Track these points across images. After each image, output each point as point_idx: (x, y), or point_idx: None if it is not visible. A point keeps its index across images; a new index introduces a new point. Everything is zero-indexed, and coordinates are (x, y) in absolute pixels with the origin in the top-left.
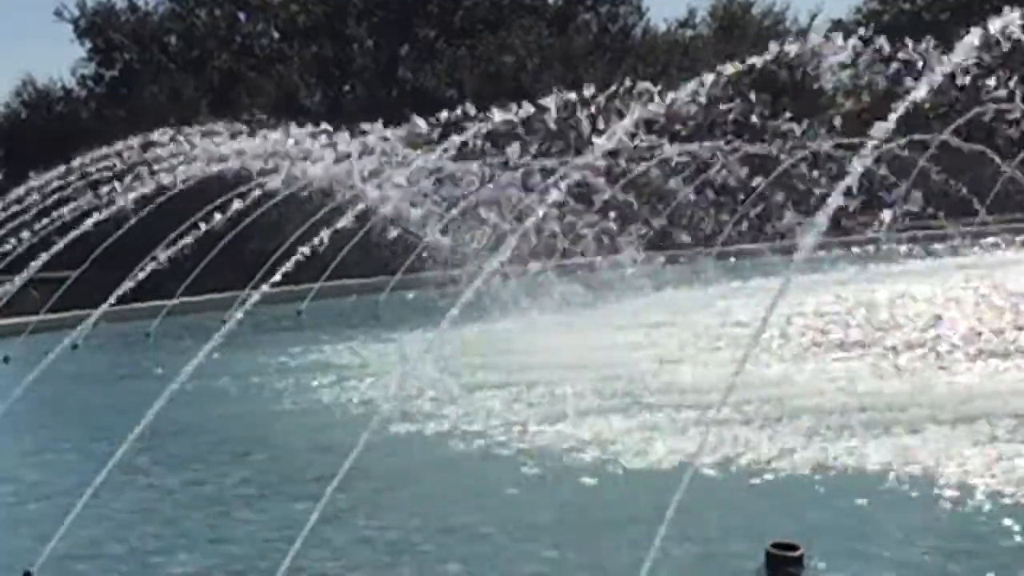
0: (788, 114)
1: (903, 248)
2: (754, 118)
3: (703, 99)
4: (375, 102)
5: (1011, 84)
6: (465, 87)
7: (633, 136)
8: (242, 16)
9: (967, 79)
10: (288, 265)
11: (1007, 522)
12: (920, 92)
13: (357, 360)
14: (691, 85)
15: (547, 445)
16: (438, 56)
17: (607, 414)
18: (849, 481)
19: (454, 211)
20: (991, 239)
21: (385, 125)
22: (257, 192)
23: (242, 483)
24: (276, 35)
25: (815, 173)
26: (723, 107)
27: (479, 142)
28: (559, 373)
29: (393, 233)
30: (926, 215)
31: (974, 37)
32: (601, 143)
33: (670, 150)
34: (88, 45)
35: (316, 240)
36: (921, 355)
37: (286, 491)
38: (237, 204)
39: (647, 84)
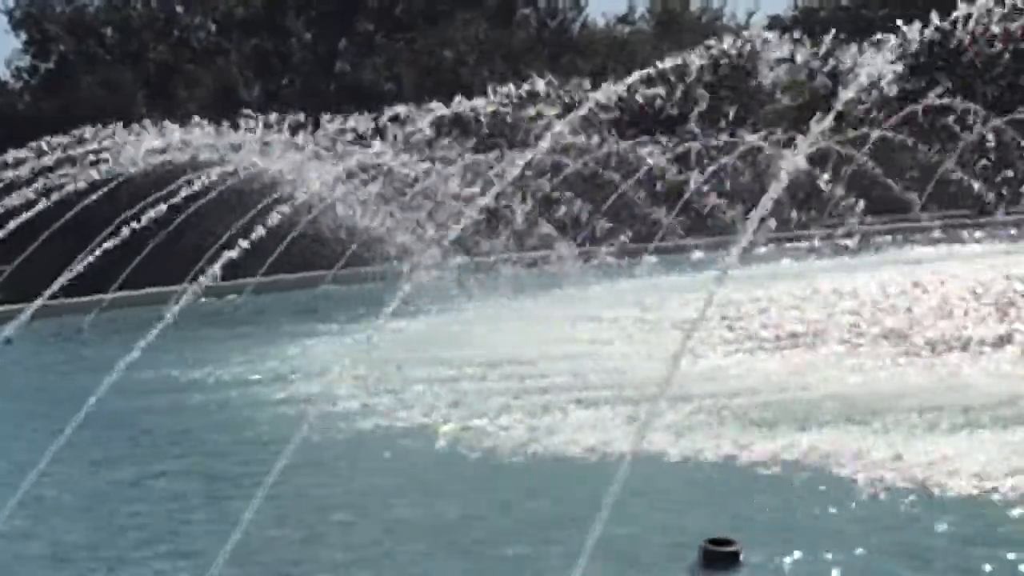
0: (727, 110)
1: (843, 244)
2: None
3: (643, 95)
4: (313, 96)
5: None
6: (404, 81)
7: (576, 132)
8: (179, 8)
9: (899, 77)
10: (228, 258)
11: (935, 514)
12: (854, 90)
13: (293, 354)
14: (631, 80)
15: (484, 440)
16: (377, 50)
17: (543, 407)
18: (783, 475)
19: (394, 205)
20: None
21: (321, 119)
22: (198, 186)
23: (163, 476)
24: (214, 28)
25: (754, 168)
26: (661, 103)
27: (419, 136)
28: (485, 369)
29: (334, 226)
30: (861, 212)
31: (910, 34)
32: (554, 134)
33: (611, 146)
34: (23, 37)
35: (257, 234)
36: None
37: (215, 479)
38: (178, 198)
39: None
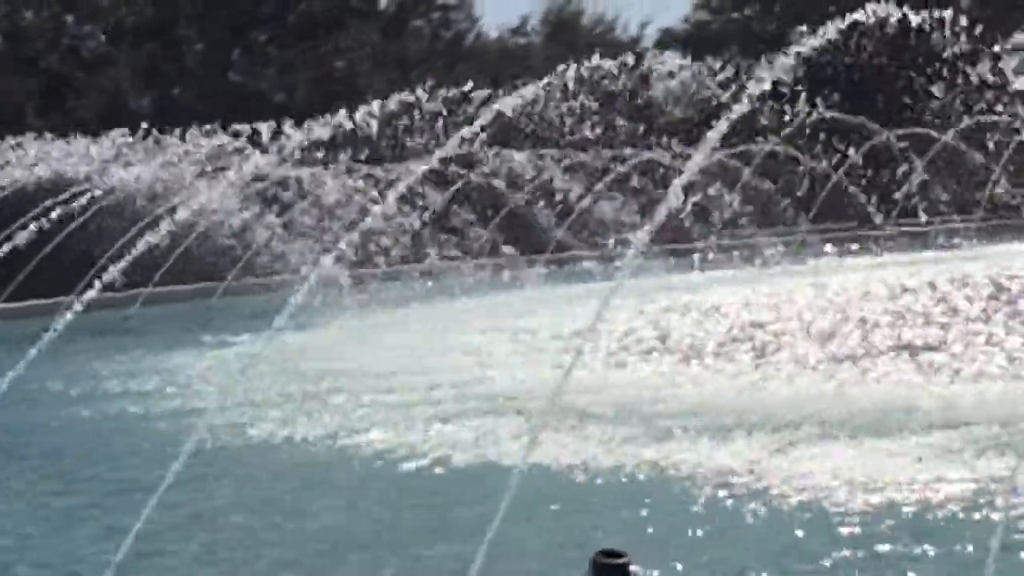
0: (619, 122)
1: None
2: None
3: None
4: (206, 105)
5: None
6: (297, 91)
7: (470, 142)
8: (70, 18)
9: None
10: (115, 270)
11: (831, 526)
12: (746, 103)
13: (182, 366)
14: (526, 91)
15: (366, 452)
16: (270, 59)
17: (430, 420)
18: (677, 488)
19: (285, 215)
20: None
21: (215, 129)
22: (85, 197)
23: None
24: (104, 37)
25: (646, 180)
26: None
27: (311, 146)
28: (377, 381)
29: (225, 237)
30: (747, 224)
31: (798, 49)
32: (449, 146)
33: (506, 157)
34: None
35: (143, 244)
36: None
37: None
38: (63, 209)
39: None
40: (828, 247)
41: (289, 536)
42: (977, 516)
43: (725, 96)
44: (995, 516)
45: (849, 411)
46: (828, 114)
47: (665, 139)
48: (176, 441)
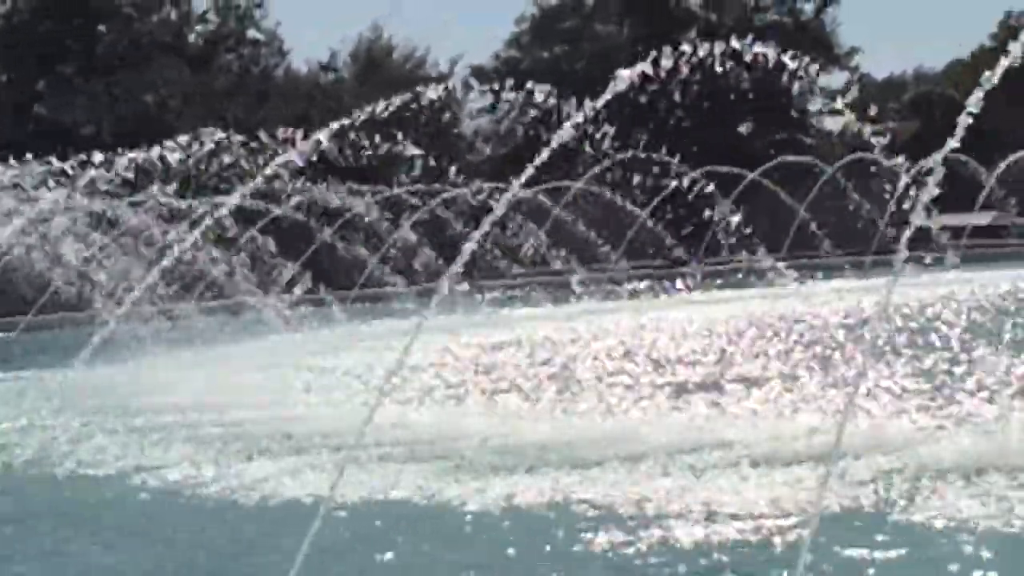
0: (430, 158)
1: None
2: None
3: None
4: (11, 138)
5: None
6: (104, 124)
7: (277, 177)
8: None
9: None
10: None
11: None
12: (557, 141)
13: None
14: (334, 126)
15: (168, 486)
16: (77, 92)
17: (232, 456)
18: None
19: (91, 249)
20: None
21: (21, 161)
22: None
23: None
24: None
25: (455, 217)
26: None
27: (118, 179)
28: (184, 415)
29: (27, 270)
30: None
31: (615, 87)
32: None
33: (317, 192)
34: None
35: None
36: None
37: None
38: None
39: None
40: (637, 284)
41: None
42: None
43: (533, 132)
44: None
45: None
46: (639, 153)
47: (472, 176)
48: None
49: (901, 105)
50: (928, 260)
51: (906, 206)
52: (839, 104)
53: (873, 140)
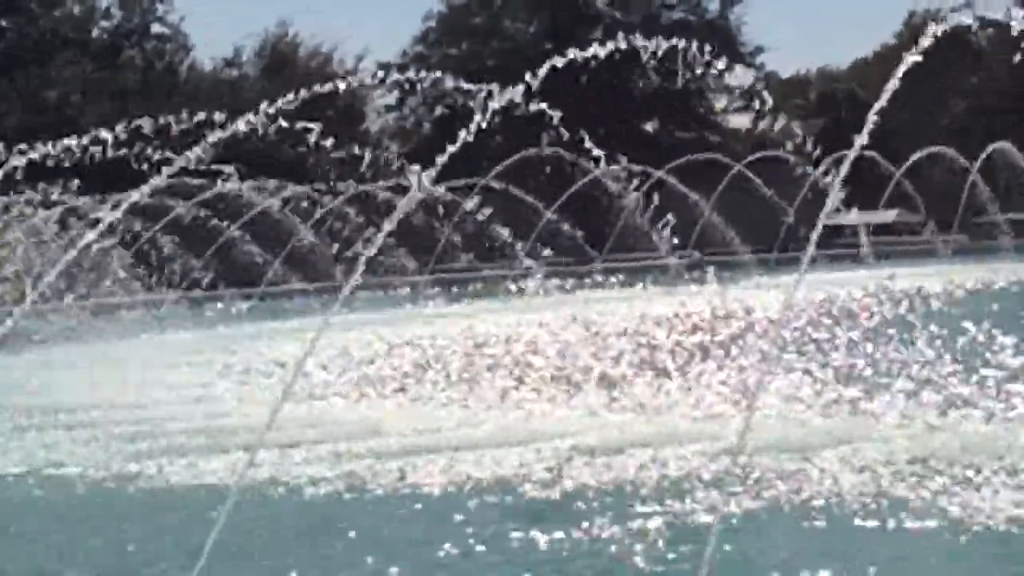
0: (336, 156)
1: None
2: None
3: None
4: None
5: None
6: (8, 120)
7: (188, 172)
8: None
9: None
10: None
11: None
12: (466, 136)
13: None
14: (239, 123)
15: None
16: None
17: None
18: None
19: None
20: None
21: None
22: None
23: None
24: None
25: (356, 215)
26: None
27: (20, 176)
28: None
29: None
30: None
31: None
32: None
33: (223, 188)
34: None
35: None
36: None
37: None
38: None
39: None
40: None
41: None
42: None
43: (441, 129)
44: None
45: None
46: (550, 151)
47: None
48: None
49: (807, 103)
50: (840, 254)
51: (818, 203)
52: (746, 102)
53: (787, 138)
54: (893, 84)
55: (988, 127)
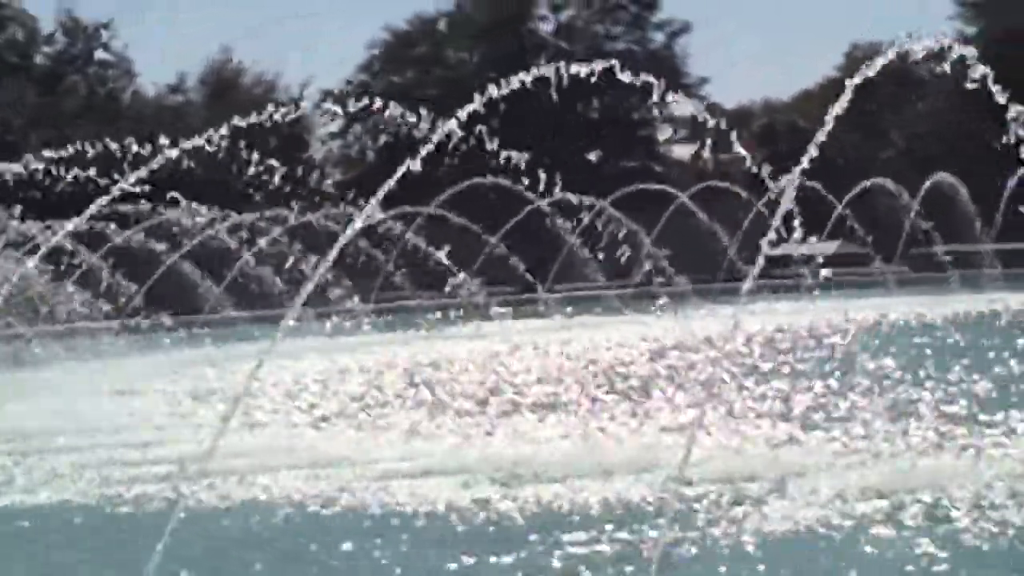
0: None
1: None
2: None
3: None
4: None
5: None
6: None
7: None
8: None
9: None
10: None
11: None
12: (405, 168)
13: None
14: (181, 147)
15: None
16: None
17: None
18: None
19: None
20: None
21: None
22: None
23: None
24: None
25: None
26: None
27: None
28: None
29: None
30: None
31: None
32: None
33: (166, 216)
34: None
35: None
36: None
37: None
38: None
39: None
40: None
41: None
42: None
43: (384, 156)
44: None
45: None
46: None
47: (322, 201)
48: None
49: (749, 134)
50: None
51: (761, 232)
52: (689, 132)
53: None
54: (834, 113)
55: (928, 157)
